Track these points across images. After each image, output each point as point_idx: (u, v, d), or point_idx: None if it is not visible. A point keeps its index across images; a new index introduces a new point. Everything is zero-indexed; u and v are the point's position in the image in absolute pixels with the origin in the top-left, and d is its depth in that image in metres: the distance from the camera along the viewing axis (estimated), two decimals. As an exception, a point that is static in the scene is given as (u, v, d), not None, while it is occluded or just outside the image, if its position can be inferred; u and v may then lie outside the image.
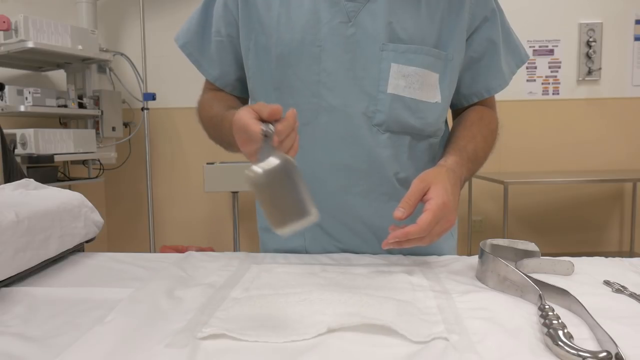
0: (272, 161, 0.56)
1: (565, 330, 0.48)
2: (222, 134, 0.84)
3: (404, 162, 0.88)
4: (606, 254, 0.87)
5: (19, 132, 2.38)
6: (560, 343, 0.46)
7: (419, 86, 0.85)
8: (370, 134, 0.85)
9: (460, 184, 0.80)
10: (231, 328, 0.52)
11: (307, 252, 0.92)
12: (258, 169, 0.56)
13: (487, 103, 0.97)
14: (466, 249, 3.12)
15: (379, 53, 0.83)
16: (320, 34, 0.83)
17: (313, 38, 0.83)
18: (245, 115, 0.64)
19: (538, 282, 0.61)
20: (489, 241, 0.78)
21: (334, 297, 0.60)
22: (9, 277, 0.67)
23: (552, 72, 3.19)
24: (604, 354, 0.44)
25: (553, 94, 3.20)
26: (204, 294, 0.63)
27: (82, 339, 0.49)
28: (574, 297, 0.57)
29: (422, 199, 0.72)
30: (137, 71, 3.04)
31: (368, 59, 0.83)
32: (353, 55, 0.83)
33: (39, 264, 0.74)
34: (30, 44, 2.28)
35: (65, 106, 2.57)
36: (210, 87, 0.98)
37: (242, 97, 0.98)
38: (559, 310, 0.56)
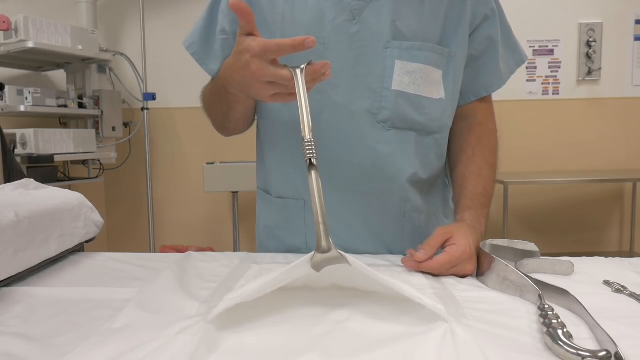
0: None
1: (565, 330, 0.48)
2: (225, 92, 0.85)
3: (410, 157, 0.89)
4: (606, 254, 0.87)
5: (19, 132, 2.38)
6: (559, 342, 0.46)
7: (423, 82, 0.86)
8: (375, 131, 0.86)
9: (481, 237, 0.84)
10: (242, 297, 0.52)
11: (308, 250, 0.92)
12: None
13: (484, 100, 0.98)
14: (466, 249, 3.11)
15: (383, 50, 0.84)
16: (324, 31, 0.83)
17: (317, 35, 0.83)
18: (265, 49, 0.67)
19: (538, 282, 0.61)
20: (489, 241, 0.78)
21: (335, 292, 0.62)
22: (9, 277, 0.67)
23: (552, 72, 3.19)
24: (604, 353, 0.44)
25: (553, 94, 3.20)
26: (209, 289, 0.64)
27: (88, 341, 0.49)
28: (574, 297, 0.57)
29: (443, 245, 0.75)
30: (137, 71, 3.04)
31: (372, 56, 0.84)
32: (357, 52, 0.84)
33: (39, 264, 0.74)
34: (30, 44, 2.28)
35: (65, 106, 2.57)
36: None
37: None
38: (558, 310, 0.55)
